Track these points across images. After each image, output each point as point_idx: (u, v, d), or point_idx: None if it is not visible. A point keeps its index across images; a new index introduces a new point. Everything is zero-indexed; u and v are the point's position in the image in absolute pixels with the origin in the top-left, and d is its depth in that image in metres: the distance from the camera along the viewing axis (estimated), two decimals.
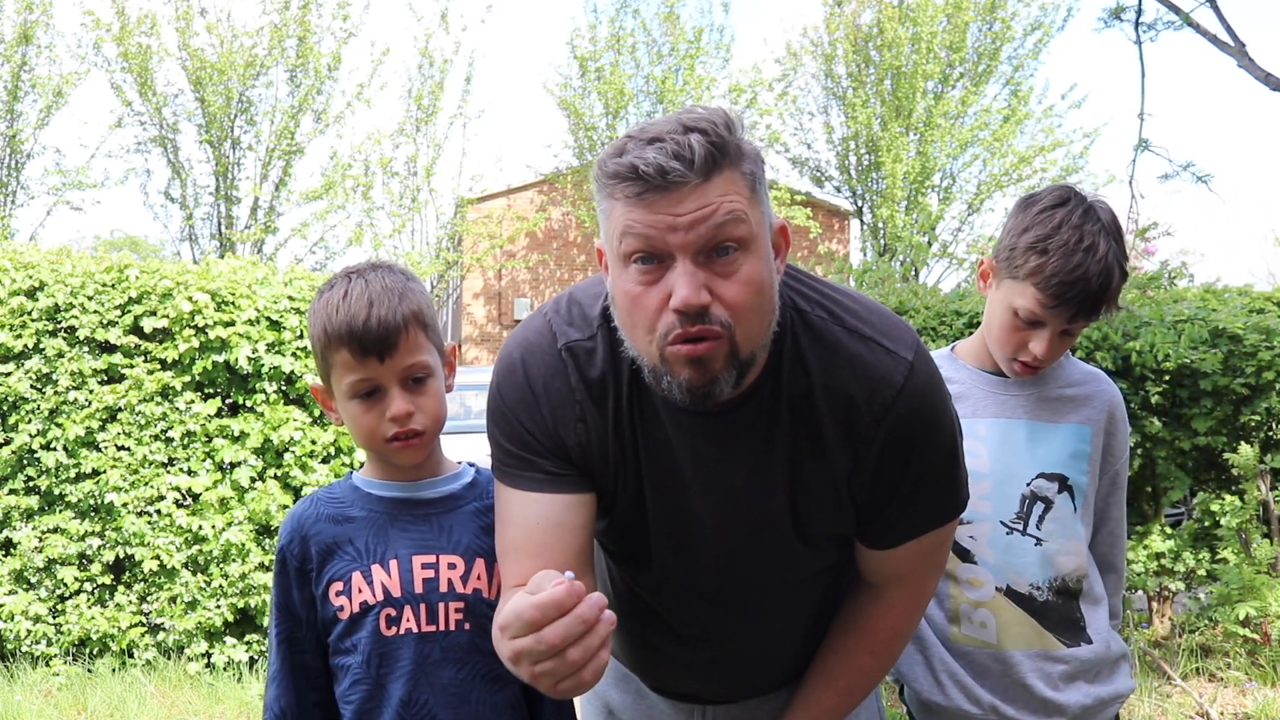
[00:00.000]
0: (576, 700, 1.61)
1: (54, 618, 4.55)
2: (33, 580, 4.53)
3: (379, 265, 1.46)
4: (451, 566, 1.42)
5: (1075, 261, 1.59)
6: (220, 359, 4.67)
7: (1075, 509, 1.73)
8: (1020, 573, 1.71)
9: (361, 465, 1.57)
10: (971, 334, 1.87)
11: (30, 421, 4.54)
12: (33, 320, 4.58)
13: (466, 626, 1.41)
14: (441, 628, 1.40)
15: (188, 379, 4.68)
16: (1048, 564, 1.72)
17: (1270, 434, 4.86)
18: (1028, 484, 1.72)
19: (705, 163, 1.13)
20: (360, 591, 1.41)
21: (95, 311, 4.62)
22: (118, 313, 4.66)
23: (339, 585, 1.42)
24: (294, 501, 4.72)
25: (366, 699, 1.40)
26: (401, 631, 1.40)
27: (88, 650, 4.55)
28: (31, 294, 4.62)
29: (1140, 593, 5.03)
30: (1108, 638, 1.77)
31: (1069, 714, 1.72)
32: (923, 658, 1.76)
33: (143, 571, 4.58)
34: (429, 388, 1.43)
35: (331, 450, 4.82)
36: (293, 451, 4.72)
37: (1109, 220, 1.64)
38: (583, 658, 1.01)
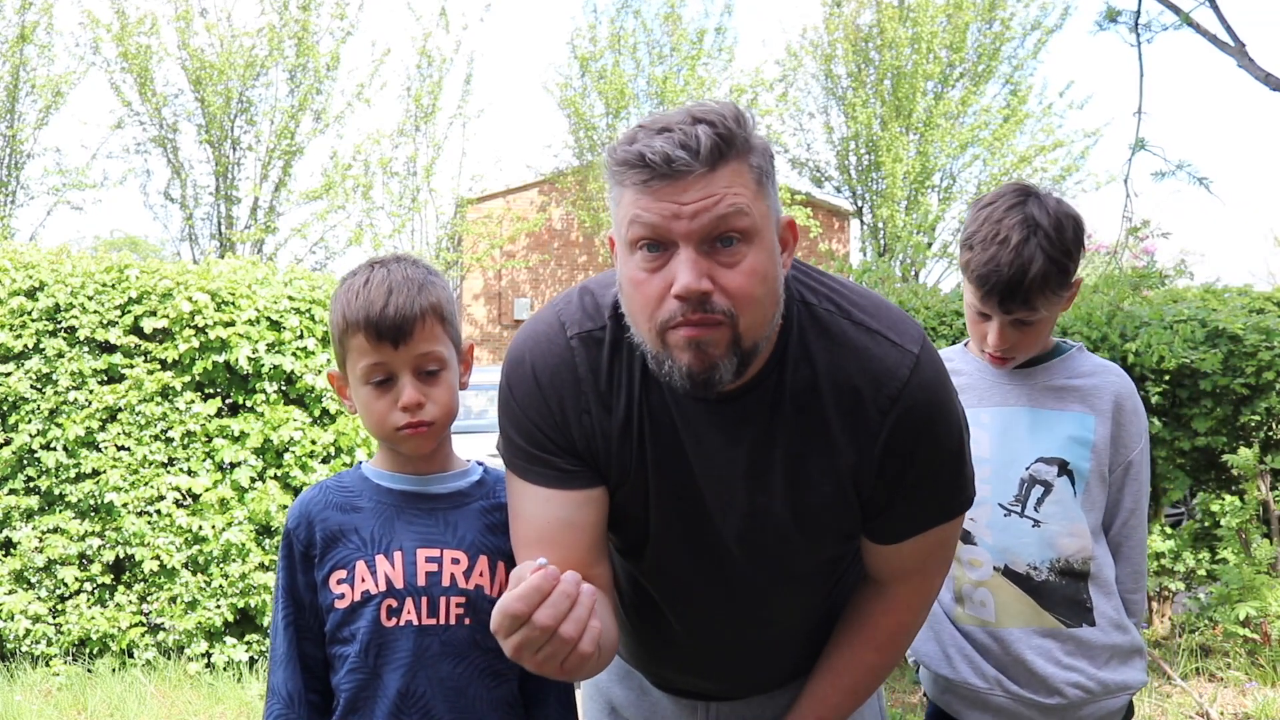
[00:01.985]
0: (580, 699, 1.61)
1: (54, 618, 4.55)
2: (33, 580, 4.53)
3: (403, 257, 1.49)
4: (455, 561, 1.43)
5: (990, 254, 1.67)
6: (220, 359, 4.67)
7: (1075, 494, 1.76)
8: (1018, 553, 1.75)
9: (370, 457, 1.58)
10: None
11: (30, 421, 4.54)
12: (33, 320, 4.58)
13: (467, 622, 1.42)
14: (442, 621, 1.41)
15: (188, 379, 4.68)
16: (1047, 545, 1.75)
17: (1270, 434, 4.86)
18: (1026, 468, 1.77)
19: (710, 153, 1.16)
20: (363, 580, 1.42)
21: (95, 311, 4.62)
22: (118, 313, 4.66)
23: (341, 573, 1.43)
24: (294, 501, 4.72)
25: (361, 688, 1.41)
26: (401, 623, 1.41)
27: (88, 650, 4.55)
28: (31, 294, 4.62)
29: None
30: (1116, 623, 1.77)
31: (1067, 698, 1.73)
32: (934, 634, 1.82)
33: (143, 571, 4.58)
34: (441, 379, 1.44)
35: (331, 450, 4.82)
36: (293, 451, 4.73)
37: (1043, 215, 1.68)
38: (576, 631, 1.06)
